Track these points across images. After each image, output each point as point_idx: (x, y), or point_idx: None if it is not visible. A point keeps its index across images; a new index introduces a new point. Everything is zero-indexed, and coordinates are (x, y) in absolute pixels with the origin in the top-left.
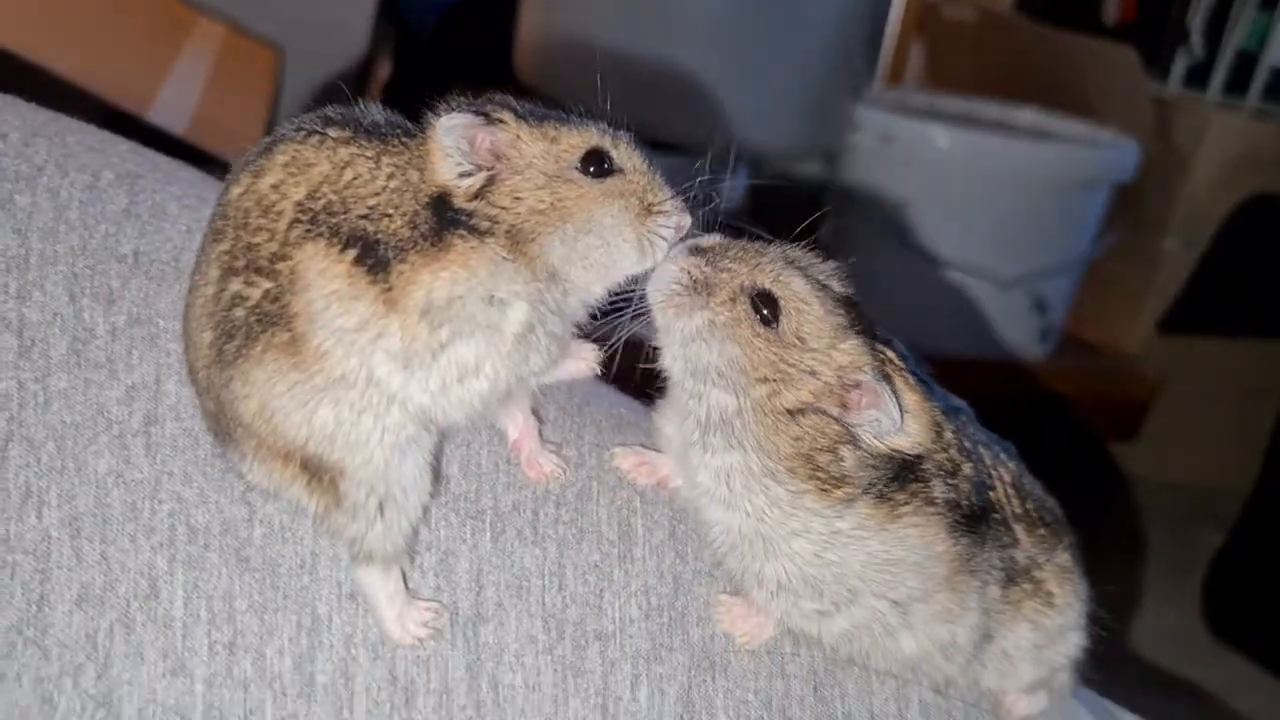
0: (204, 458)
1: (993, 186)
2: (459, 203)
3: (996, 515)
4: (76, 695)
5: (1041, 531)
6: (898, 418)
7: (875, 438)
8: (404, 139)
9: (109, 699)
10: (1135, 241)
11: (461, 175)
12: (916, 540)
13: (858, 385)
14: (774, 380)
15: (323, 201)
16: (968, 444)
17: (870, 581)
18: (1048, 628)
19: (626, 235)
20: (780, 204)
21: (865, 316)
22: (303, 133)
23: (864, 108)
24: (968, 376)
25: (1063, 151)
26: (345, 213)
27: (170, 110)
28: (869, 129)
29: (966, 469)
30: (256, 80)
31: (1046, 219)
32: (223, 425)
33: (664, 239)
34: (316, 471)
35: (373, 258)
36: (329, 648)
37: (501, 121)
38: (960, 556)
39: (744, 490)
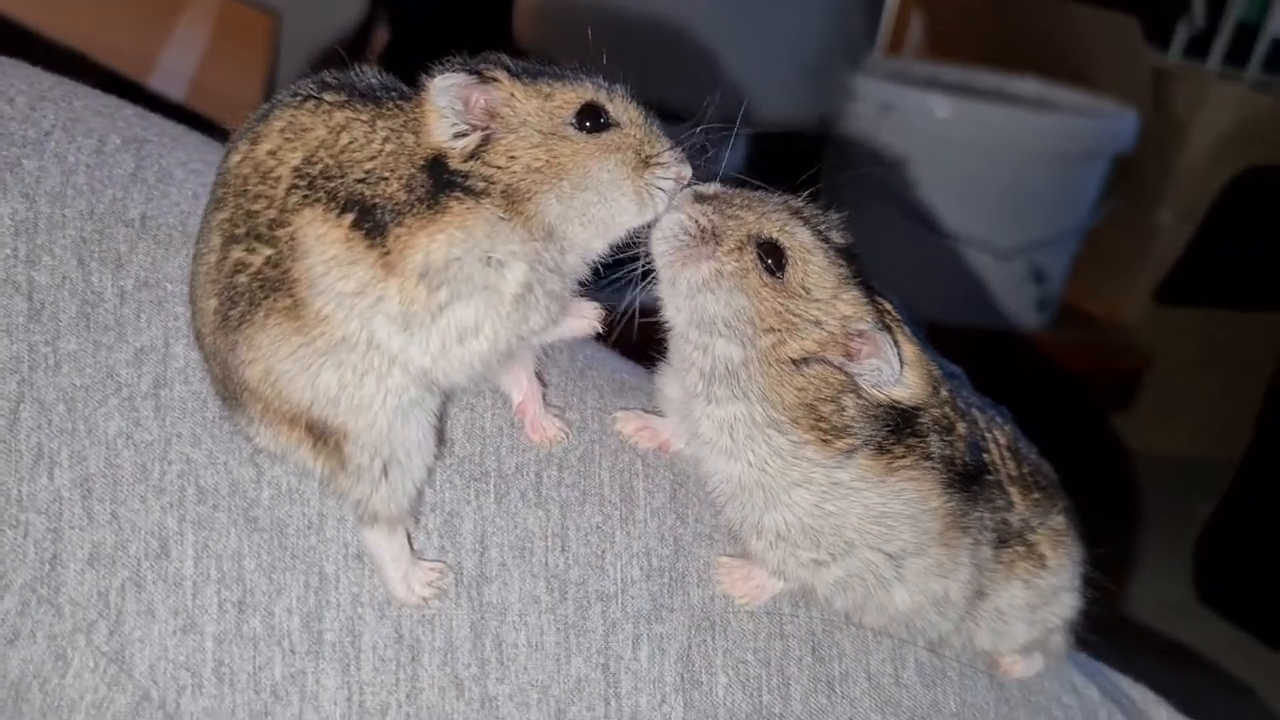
0: (212, 420)
1: (992, 156)
2: (455, 164)
3: (991, 476)
4: (89, 651)
5: (1036, 495)
6: (898, 367)
7: (876, 387)
8: (399, 102)
9: (121, 655)
10: (1132, 212)
11: (456, 136)
12: (912, 494)
13: (861, 334)
14: (779, 330)
15: (319, 166)
16: (961, 405)
17: (866, 533)
18: (1041, 588)
19: (624, 189)
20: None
21: (864, 269)
22: (299, 98)
23: (863, 77)
24: (966, 345)
25: (1062, 122)
26: (342, 177)
27: (169, 76)
28: (868, 98)
29: (961, 428)
30: (254, 47)
31: (1045, 189)
32: (230, 390)
33: (663, 190)
34: (322, 434)
35: (370, 222)
36: (336, 606)
37: (495, 80)
38: (954, 513)
39: (747, 440)
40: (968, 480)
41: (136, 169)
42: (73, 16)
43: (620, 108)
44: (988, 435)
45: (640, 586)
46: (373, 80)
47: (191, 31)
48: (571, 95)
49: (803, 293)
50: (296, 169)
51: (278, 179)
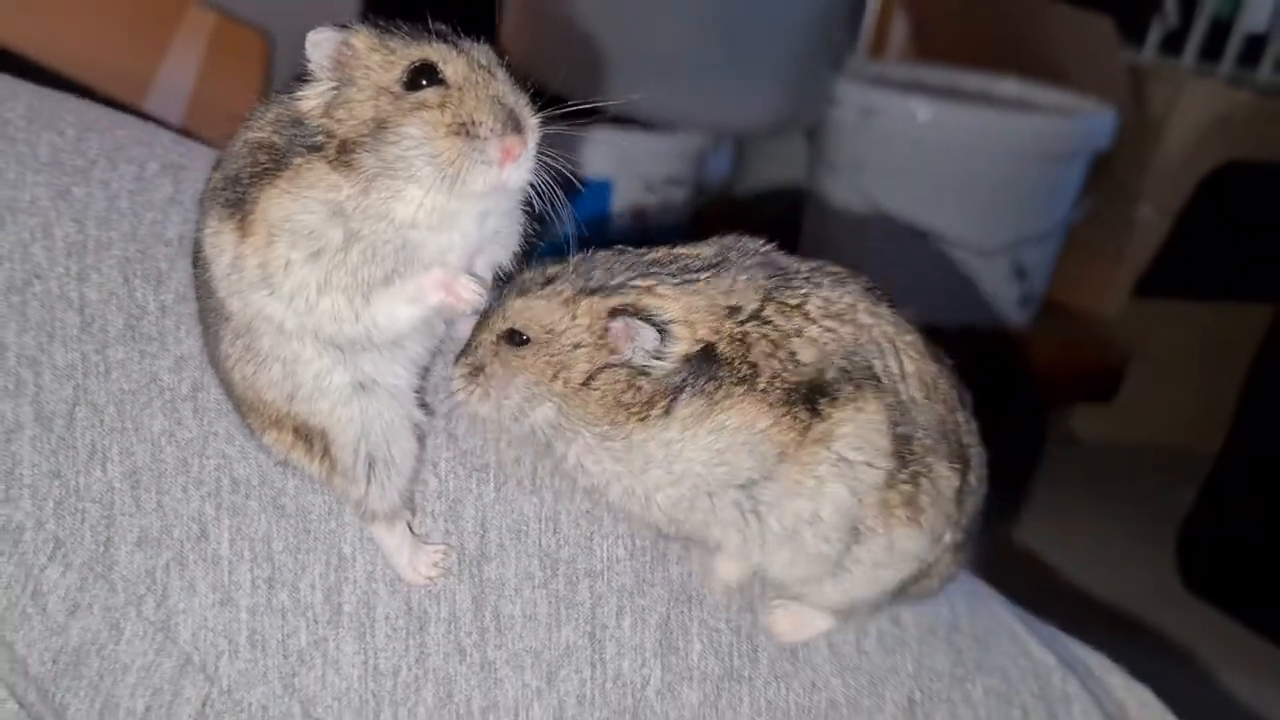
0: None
1: (974, 158)
2: (310, 121)
3: (883, 388)
4: (140, 622)
5: (939, 445)
6: (653, 333)
7: (654, 357)
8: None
9: (167, 625)
10: (1111, 208)
11: (317, 95)
12: (737, 421)
13: (606, 329)
14: (559, 374)
15: (233, 168)
16: (816, 318)
17: (716, 479)
18: (898, 543)
19: (422, 151)
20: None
21: (587, 268)
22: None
23: (845, 81)
24: (950, 343)
25: (1042, 122)
26: (235, 171)
27: (166, 97)
28: (850, 102)
29: (796, 344)
30: (248, 66)
31: (1027, 188)
32: (233, 403)
33: (476, 161)
34: (307, 437)
35: (236, 193)
36: (353, 582)
37: (356, 34)
38: (799, 425)
39: (596, 464)
40: (821, 388)
41: (174, 193)
42: (67, 42)
43: (462, 71)
44: (894, 354)
45: (624, 564)
46: None
47: (186, 52)
48: (414, 52)
49: (549, 336)
50: (222, 177)
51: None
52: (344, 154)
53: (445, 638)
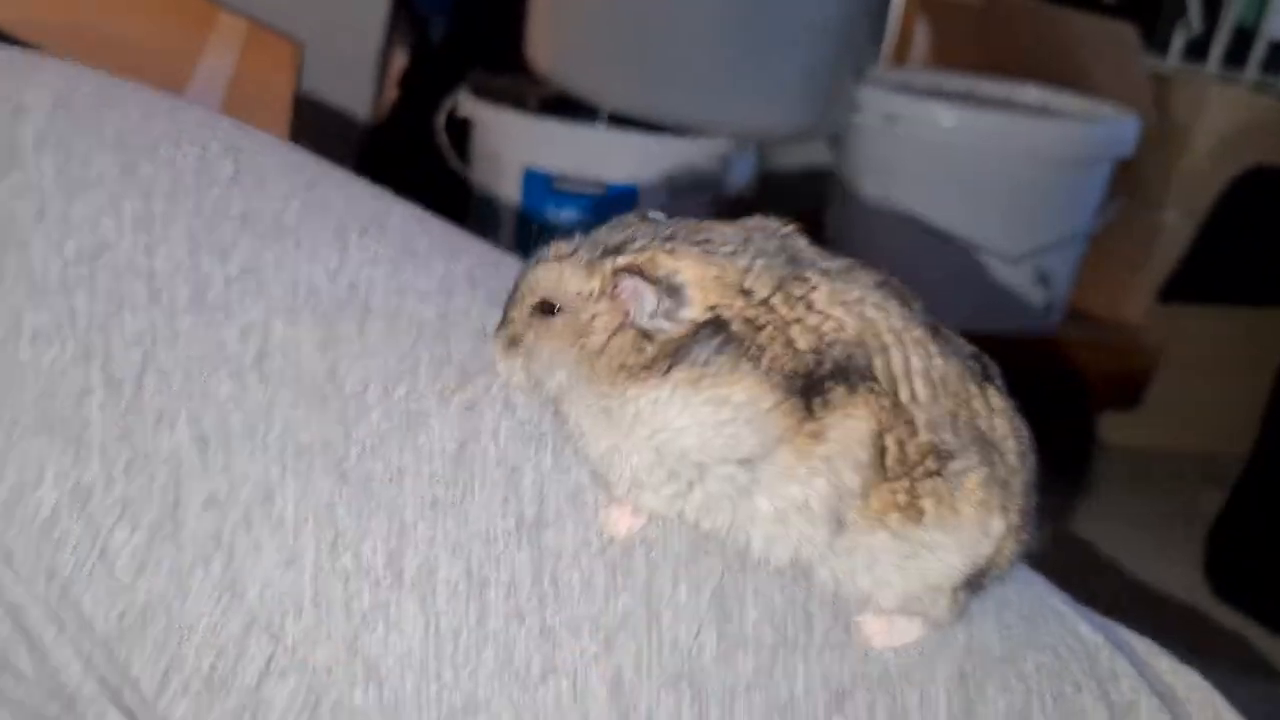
0: (307, 388)
1: (997, 164)
2: None
3: (878, 391)
4: (207, 582)
5: (945, 437)
6: (661, 293)
7: (662, 317)
8: None
9: (234, 585)
10: (1136, 214)
11: None
12: (742, 397)
13: (615, 289)
14: (580, 338)
15: None
16: (830, 310)
17: (713, 451)
18: (912, 541)
19: None
20: (787, 178)
21: (609, 233)
22: None
23: (868, 88)
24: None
25: (1065, 128)
26: None
27: (199, 103)
28: (873, 108)
29: (797, 334)
30: (279, 73)
31: (1050, 194)
32: None
33: None
34: None
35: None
36: (415, 547)
37: None
38: (794, 415)
39: (591, 426)
40: (816, 385)
41: (235, 172)
42: (100, 53)
43: None
44: (899, 350)
45: (678, 534)
46: None
47: (219, 59)
48: None
49: (572, 302)
50: None
51: None
52: None
53: (505, 603)
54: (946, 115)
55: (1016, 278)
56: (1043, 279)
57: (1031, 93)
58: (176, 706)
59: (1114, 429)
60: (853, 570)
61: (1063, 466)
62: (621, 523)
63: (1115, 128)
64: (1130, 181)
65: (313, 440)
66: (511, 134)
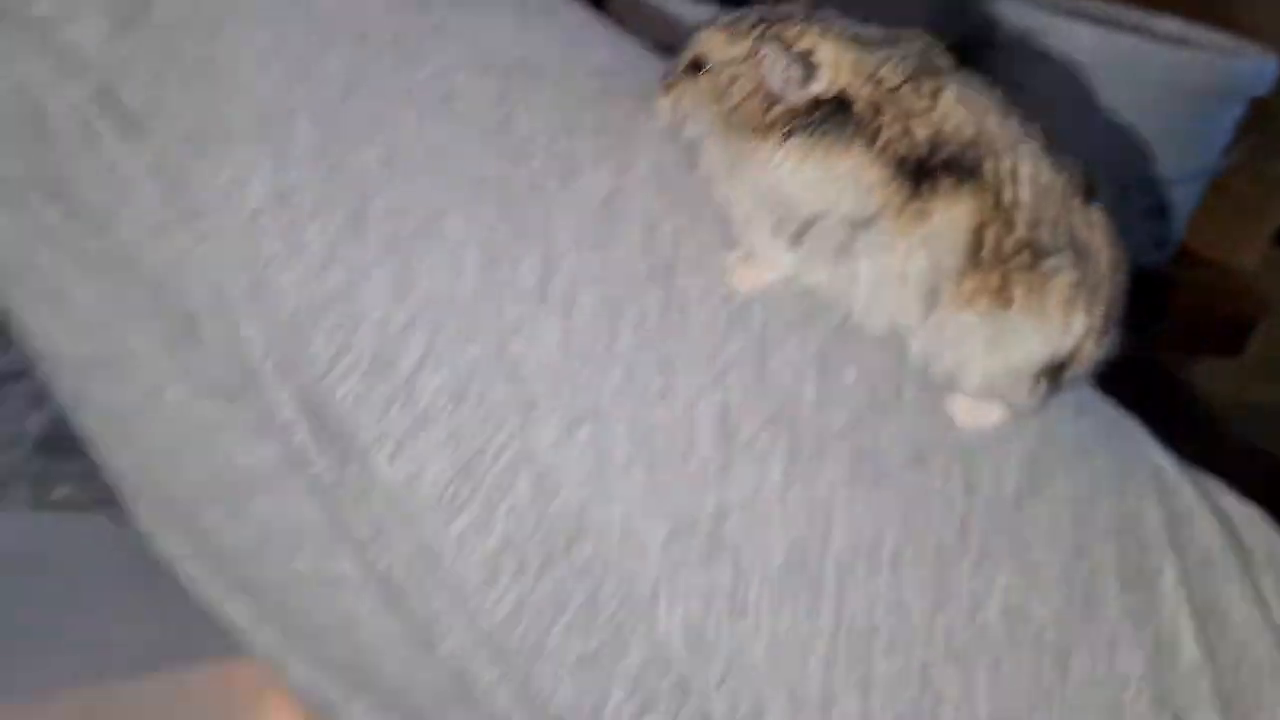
0: (483, 130)
1: (1130, 89)
2: None
3: (984, 186)
4: (381, 280)
5: (1040, 233)
6: (785, 63)
7: (794, 86)
8: None
9: (403, 285)
10: (1261, 158)
11: None
12: (845, 168)
13: (758, 55)
14: (719, 96)
15: None
16: (957, 109)
17: (812, 204)
18: (999, 324)
19: None
20: None
21: (770, 10)
22: None
23: (1005, 1)
24: None
25: (1203, 58)
26: None
27: None
28: (1009, 22)
29: (917, 124)
30: None
31: (1178, 126)
32: None
33: None
34: None
35: None
36: (562, 274)
37: None
38: (901, 194)
39: (719, 171)
40: (926, 172)
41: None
42: None
43: None
44: (1011, 156)
45: (796, 301)
46: None
47: None
48: None
49: (719, 63)
50: None
51: None
52: None
53: (634, 331)
54: (1085, 33)
55: (1132, 208)
56: (1159, 211)
57: (1169, 23)
58: (340, 386)
59: (1210, 377)
60: (941, 346)
61: (1153, 411)
62: (746, 279)
63: (1253, 63)
64: (1259, 128)
65: (485, 175)
66: None
